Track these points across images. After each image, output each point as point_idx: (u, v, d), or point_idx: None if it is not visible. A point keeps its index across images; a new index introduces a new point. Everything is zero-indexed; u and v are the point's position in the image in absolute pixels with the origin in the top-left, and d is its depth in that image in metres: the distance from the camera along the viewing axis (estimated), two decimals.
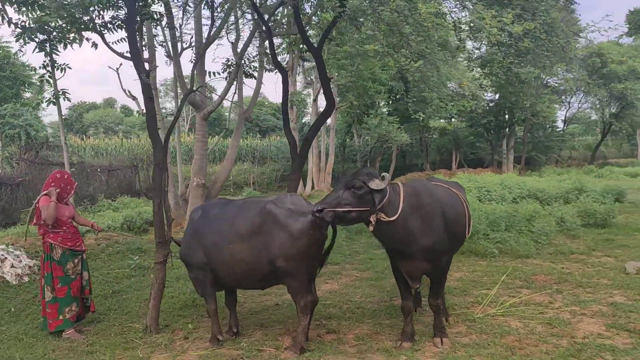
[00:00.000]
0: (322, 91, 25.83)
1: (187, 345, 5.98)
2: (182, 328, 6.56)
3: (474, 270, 8.78)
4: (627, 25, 48.05)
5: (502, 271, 8.49)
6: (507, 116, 36.62)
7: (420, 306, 6.89)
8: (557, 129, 42.18)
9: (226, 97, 13.24)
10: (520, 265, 8.90)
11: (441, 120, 32.59)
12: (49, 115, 38.68)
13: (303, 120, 39.67)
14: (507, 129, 36.96)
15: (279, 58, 15.10)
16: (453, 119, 32.66)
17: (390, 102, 33.01)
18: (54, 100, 9.61)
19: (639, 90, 36.74)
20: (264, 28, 9.65)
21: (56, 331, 6.41)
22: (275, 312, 7.17)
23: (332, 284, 8.25)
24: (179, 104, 9.02)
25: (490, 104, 36.35)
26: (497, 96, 35.78)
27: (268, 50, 11.70)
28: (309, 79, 27.52)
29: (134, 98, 13.65)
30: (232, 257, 5.57)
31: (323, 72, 8.96)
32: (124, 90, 12.56)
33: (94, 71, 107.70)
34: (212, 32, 12.07)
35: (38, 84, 32.10)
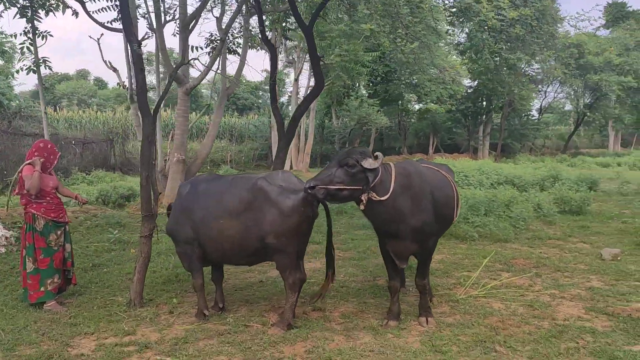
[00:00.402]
0: (303, 70, 25.69)
1: (173, 319, 5.95)
2: (166, 302, 6.52)
3: (455, 252, 8.91)
4: (605, 18, 48.78)
5: (482, 254, 8.64)
6: (484, 103, 37.00)
7: (404, 286, 6.97)
8: (533, 118, 42.78)
9: (210, 71, 13.04)
10: (500, 249, 9.05)
11: (431, 104, 32.71)
12: (21, 84, 37.79)
13: (281, 100, 39.39)
14: (484, 116, 37.35)
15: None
16: (442, 103, 32.83)
17: (371, 84, 33.04)
18: (35, 68, 9.34)
19: (613, 82, 37.39)
20: (252, 2, 9.49)
21: (37, 303, 6.31)
22: (259, 288, 7.17)
23: (314, 263, 8.27)
24: (168, 77, 8.86)
25: (469, 90, 36.68)
26: (475, 83, 36.11)
27: (255, 27, 11.54)
28: (291, 57, 27.30)
29: (115, 70, 13.40)
30: (220, 233, 5.53)
31: (313, 51, 8.88)
32: (105, 62, 12.34)
33: (66, 41, 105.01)
34: (198, 6, 11.86)
35: (10, 52, 31.22)
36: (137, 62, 6.03)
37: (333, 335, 5.35)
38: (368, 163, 4.94)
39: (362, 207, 5.09)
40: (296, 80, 25.52)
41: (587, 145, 58.13)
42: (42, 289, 6.30)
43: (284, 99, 41.87)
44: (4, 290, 7.06)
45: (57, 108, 37.54)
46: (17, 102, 30.37)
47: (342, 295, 6.74)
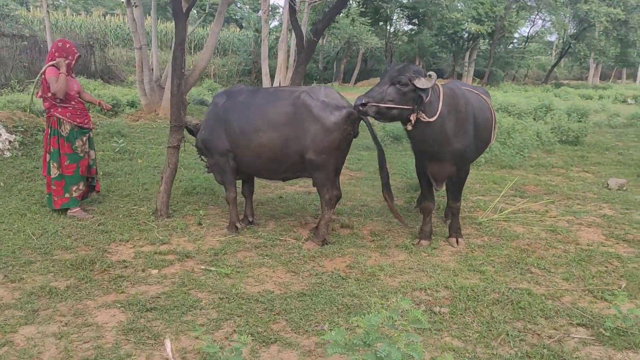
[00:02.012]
0: None
1: (203, 231, 5.95)
2: (192, 214, 6.50)
3: None
4: None
5: (492, 179, 8.79)
6: (472, 27, 36.40)
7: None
8: (518, 46, 42.49)
9: None
10: (507, 175, 9.19)
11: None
12: None
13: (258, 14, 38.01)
14: (472, 41, 36.90)
15: None
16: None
17: (360, 3, 32.07)
18: None
19: (602, 13, 37.11)
20: None
21: (61, 209, 6.22)
22: (281, 204, 7.19)
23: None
24: None
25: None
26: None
27: None
28: None
29: None
30: (260, 146, 5.43)
31: None
32: None
33: None
34: None
35: None
36: None
37: (369, 252, 5.45)
38: (421, 82, 4.81)
39: (409, 127, 5.01)
40: None
41: (567, 76, 58.42)
42: (66, 195, 6.19)
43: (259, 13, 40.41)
44: (20, 194, 6.92)
45: (30, 8, 35.56)
46: None
47: (365, 213, 6.82)
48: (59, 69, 5.92)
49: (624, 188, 8.53)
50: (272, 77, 24.77)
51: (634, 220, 6.82)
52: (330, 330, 2.90)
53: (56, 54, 6.01)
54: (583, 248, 5.74)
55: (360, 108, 4.86)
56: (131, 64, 27.98)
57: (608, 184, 8.70)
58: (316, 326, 3.83)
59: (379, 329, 2.79)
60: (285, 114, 5.35)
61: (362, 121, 5.56)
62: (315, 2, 25.58)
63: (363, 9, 31.30)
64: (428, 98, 4.95)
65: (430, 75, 4.89)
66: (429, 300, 4.35)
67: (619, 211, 7.27)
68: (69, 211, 6.22)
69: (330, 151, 5.35)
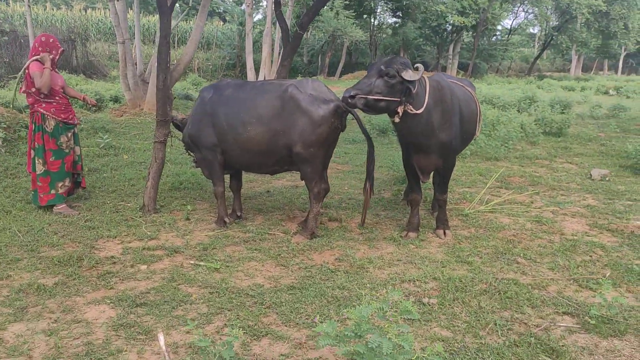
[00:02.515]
0: None
1: (191, 226, 5.94)
2: (179, 209, 6.48)
3: None
4: None
5: (477, 171, 8.87)
6: (456, 20, 36.55)
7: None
8: (501, 38, 42.74)
9: None
10: (493, 167, 9.28)
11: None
12: None
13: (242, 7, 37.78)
14: (455, 34, 37.05)
15: None
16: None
17: None
18: None
19: (584, 5, 37.42)
20: None
21: (47, 205, 6.17)
22: (268, 198, 7.20)
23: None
24: None
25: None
26: None
27: None
28: None
29: None
30: (248, 139, 5.43)
31: None
32: None
33: None
34: None
35: None
36: None
37: (357, 245, 5.48)
38: (409, 75, 4.83)
39: (396, 119, 5.03)
40: None
41: (549, 68, 58.94)
42: (52, 191, 6.14)
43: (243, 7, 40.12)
44: (4, 191, 6.85)
45: (10, 3, 35.00)
46: None
47: (353, 207, 6.85)
48: (43, 64, 5.86)
49: (607, 178, 8.66)
50: (257, 70, 24.68)
51: (616, 210, 6.93)
52: (321, 322, 2.93)
53: (40, 49, 5.95)
54: (568, 238, 5.82)
55: (349, 100, 4.88)
56: (114, 59, 27.73)
57: (591, 175, 8.82)
58: (307, 319, 3.85)
59: (369, 320, 2.82)
60: (273, 107, 5.35)
61: (349, 114, 5.58)
62: None
63: (347, 2, 31.26)
64: (415, 90, 4.99)
65: (417, 68, 4.92)
66: (418, 292, 4.39)
67: (602, 201, 7.38)
68: (54, 208, 6.17)
69: (318, 145, 5.36)
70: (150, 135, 10.97)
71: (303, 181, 5.76)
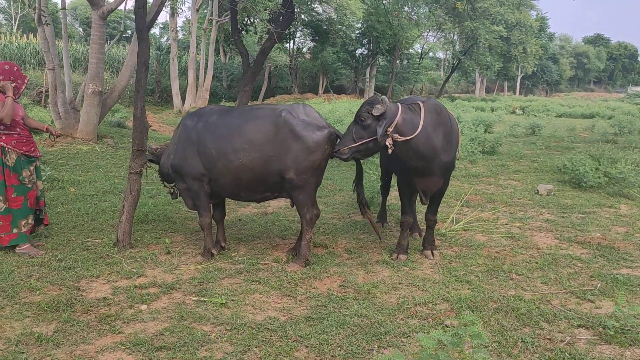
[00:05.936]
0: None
1: (175, 260, 5.65)
2: (155, 243, 6.16)
3: None
4: None
5: None
6: (372, 45, 37.81)
7: (387, 221, 7.23)
8: (414, 62, 44.57)
9: None
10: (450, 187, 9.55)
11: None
12: None
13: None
14: (372, 58, 38.23)
15: None
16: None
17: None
18: None
19: (487, 31, 39.84)
20: None
21: (9, 246, 5.65)
22: (243, 227, 7.01)
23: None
24: None
25: (357, 32, 37.22)
26: (365, 25, 36.65)
27: None
28: None
29: None
30: (240, 166, 5.26)
31: None
32: None
33: None
34: None
35: None
36: None
37: (353, 270, 5.45)
38: (376, 110, 4.98)
39: (389, 151, 5.11)
40: (197, 10, 24.07)
41: (455, 90, 62.12)
42: (14, 230, 5.64)
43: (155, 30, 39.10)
44: None
45: None
46: None
47: (333, 231, 6.81)
48: (4, 93, 5.42)
49: (552, 193, 9.19)
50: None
51: (575, 223, 7.35)
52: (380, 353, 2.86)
53: (1, 77, 5.50)
54: (545, 252, 6.09)
55: (342, 157, 5.16)
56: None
57: (538, 190, 9.32)
58: (341, 350, 3.76)
59: (445, 347, 2.80)
60: (267, 132, 5.24)
61: None
62: (224, 20, 25.41)
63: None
64: (400, 118, 5.08)
65: (382, 100, 5.03)
66: (435, 314, 4.42)
67: (557, 215, 7.81)
68: (17, 248, 5.66)
69: (311, 171, 5.31)
70: (92, 167, 10.43)
71: (290, 207, 5.67)
